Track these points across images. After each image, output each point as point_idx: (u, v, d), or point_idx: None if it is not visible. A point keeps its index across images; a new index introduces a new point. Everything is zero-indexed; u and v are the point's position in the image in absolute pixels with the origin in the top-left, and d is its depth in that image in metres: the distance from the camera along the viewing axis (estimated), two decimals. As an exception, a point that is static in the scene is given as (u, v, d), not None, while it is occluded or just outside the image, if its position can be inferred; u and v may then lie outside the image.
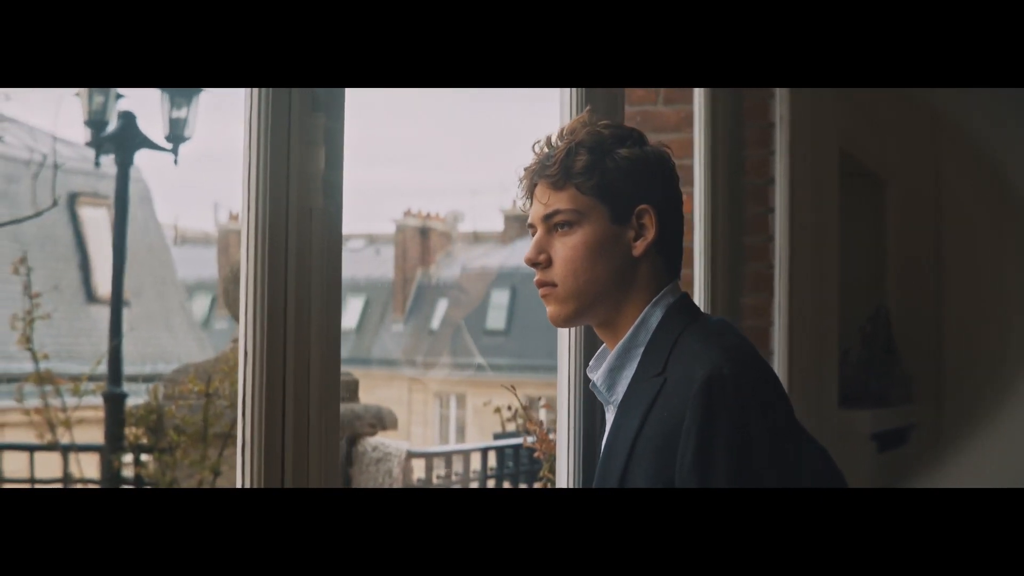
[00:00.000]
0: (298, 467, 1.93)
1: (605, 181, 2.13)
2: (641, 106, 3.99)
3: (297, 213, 1.94)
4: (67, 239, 16.25)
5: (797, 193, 4.08)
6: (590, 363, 2.24)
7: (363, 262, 30.29)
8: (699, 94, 3.65)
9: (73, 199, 16.26)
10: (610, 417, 2.18)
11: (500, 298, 28.32)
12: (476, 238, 30.82)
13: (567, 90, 2.79)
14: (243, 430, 1.90)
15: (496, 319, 28.31)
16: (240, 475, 1.91)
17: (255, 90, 1.90)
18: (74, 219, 16.40)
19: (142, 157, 9.49)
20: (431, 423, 27.51)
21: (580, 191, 2.13)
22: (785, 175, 4.03)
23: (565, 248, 2.14)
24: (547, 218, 2.16)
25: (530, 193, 2.20)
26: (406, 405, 26.28)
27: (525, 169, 2.21)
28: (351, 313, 29.71)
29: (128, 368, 8.87)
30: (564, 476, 2.72)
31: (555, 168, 2.14)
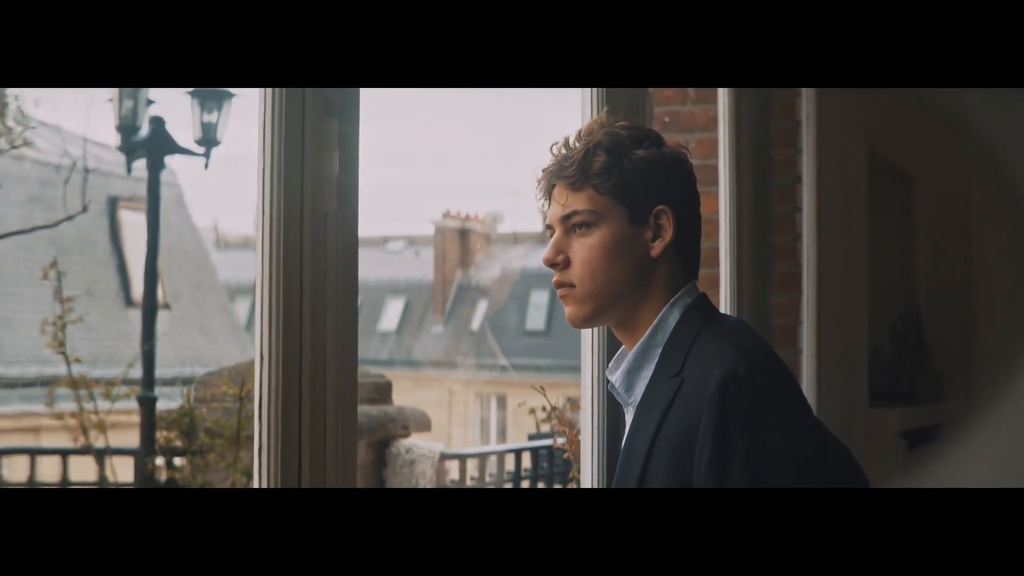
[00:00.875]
0: (315, 470, 1.93)
1: (623, 182, 2.13)
2: (670, 106, 3.97)
3: (312, 217, 1.94)
4: (105, 243, 16.32)
5: (824, 192, 4.06)
6: (609, 364, 2.24)
7: (403, 264, 30.31)
8: (723, 94, 3.64)
9: (113, 203, 16.33)
10: (629, 418, 2.17)
11: (540, 298, 28.26)
12: (515, 239, 30.79)
13: (589, 90, 2.79)
14: (259, 433, 1.91)
15: (536, 319, 28.25)
16: (257, 477, 1.92)
17: (269, 95, 1.91)
18: (113, 223, 16.47)
19: (176, 162, 9.52)
20: (471, 425, 27.47)
21: (598, 192, 2.13)
22: (812, 174, 4.01)
23: (583, 249, 2.13)
24: (565, 219, 2.15)
25: (548, 194, 2.20)
26: (446, 407, 26.26)
27: (543, 170, 2.21)
28: (391, 315, 29.74)
29: (167, 372, 8.88)
30: (588, 476, 2.72)
31: (573, 169, 2.14)
